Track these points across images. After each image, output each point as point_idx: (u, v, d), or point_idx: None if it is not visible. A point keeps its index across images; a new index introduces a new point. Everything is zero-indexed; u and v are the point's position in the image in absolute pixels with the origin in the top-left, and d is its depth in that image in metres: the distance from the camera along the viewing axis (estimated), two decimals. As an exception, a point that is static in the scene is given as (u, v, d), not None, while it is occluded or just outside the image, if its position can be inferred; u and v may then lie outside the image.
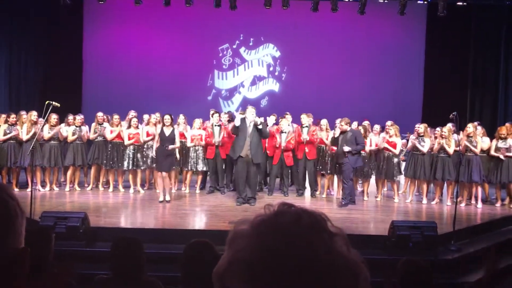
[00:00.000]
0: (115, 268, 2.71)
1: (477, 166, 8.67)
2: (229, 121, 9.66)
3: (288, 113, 9.92)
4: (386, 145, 9.06)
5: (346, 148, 8.24)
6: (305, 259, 0.70)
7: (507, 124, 9.15)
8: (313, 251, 0.72)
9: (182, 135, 9.32)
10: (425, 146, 8.99)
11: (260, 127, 8.21)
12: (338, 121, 8.70)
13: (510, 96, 13.01)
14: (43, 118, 7.94)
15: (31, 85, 13.71)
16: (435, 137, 9.08)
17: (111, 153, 9.30)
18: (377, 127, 9.74)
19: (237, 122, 8.21)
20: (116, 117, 9.44)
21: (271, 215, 0.76)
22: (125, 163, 9.28)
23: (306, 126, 9.42)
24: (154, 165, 9.10)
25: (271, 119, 10.35)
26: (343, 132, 8.42)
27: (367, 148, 9.15)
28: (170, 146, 8.43)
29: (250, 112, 8.27)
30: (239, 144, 8.24)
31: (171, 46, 14.70)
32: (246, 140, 8.21)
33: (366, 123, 9.71)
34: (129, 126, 9.36)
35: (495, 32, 13.12)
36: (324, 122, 9.62)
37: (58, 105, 7.22)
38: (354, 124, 9.38)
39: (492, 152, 8.90)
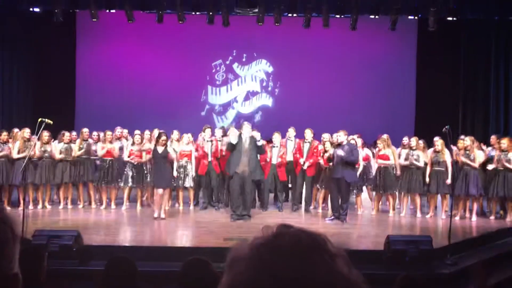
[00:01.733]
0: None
1: (474, 179, 8.68)
2: (222, 136, 9.62)
3: (292, 127, 9.83)
4: (380, 161, 9.07)
5: (341, 152, 8.18)
6: (306, 281, 0.69)
7: (509, 138, 9.13)
8: (314, 273, 0.70)
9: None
10: (420, 161, 9.02)
11: (259, 143, 8.21)
12: (335, 135, 8.69)
13: (502, 109, 13.13)
14: (36, 135, 7.89)
15: (24, 103, 13.66)
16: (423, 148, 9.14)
17: (101, 170, 9.21)
18: (358, 141, 9.68)
19: (233, 140, 8.19)
20: (108, 133, 9.39)
21: (270, 237, 0.75)
22: (124, 180, 9.19)
23: (308, 142, 9.39)
24: (148, 181, 9.06)
25: (276, 137, 10.06)
26: (338, 145, 8.40)
27: (360, 163, 9.15)
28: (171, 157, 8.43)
29: (247, 129, 8.28)
30: (234, 160, 8.22)
31: (164, 62, 14.75)
32: (242, 157, 8.19)
33: (355, 136, 9.67)
34: (133, 143, 9.31)
35: (485, 46, 13.28)
36: (326, 136, 9.58)
37: (51, 122, 7.18)
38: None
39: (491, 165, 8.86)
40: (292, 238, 0.74)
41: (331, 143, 8.83)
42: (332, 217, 8.50)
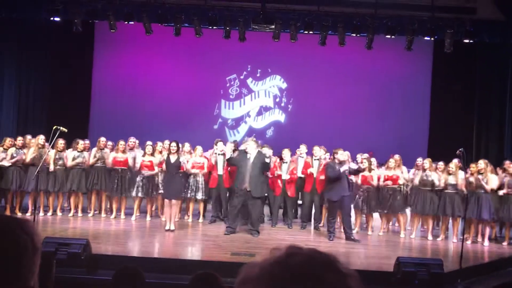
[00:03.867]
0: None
1: (487, 203, 8.55)
2: (233, 151, 9.63)
3: (304, 144, 9.86)
4: (388, 182, 9.00)
5: (353, 165, 8.25)
6: None
7: None
8: None
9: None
10: (435, 180, 8.92)
11: (267, 160, 8.21)
12: (358, 155, 8.79)
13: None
14: (50, 143, 7.94)
15: (40, 110, 13.85)
16: (436, 169, 9.04)
17: (114, 180, 9.24)
18: (373, 160, 9.63)
19: (228, 154, 8.23)
20: (121, 143, 9.44)
21: (282, 256, 0.75)
22: (134, 191, 9.23)
23: (317, 159, 9.37)
24: (160, 192, 9.08)
25: (286, 153, 10.00)
26: (341, 163, 8.36)
27: (374, 181, 9.10)
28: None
29: (252, 146, 8.28)
30: (241, 176, 8.24)
31: (179, 75, 14.88)
32: (246, 174, 8.19)
33: (364, 155, 9.60)
34: (144, 154, 9.35)
35: (501, 69, 13.20)
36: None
37: (66, 130, 7.25)
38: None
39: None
40: (304, 258, 0.74)
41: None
42: (332, 238, 8.44)
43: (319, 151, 9.43)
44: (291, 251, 0.76)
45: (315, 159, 9.36)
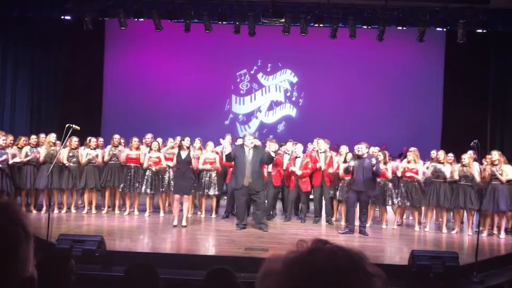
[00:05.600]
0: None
1: (503, 194, 8.44)
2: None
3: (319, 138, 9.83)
4: (410, 173, 8.89)
5: (374, 160, 8.09)
6: None
7: None
8: None
9: (198, 159, 9.33)
10: (446, 173, 8.83)
11: (273, 155, 8.19)
12: (356, 146, 8.60)
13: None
14: (63, 141, 7.98)
15: (52, 108, 13.97)
16: (449, 163, 8.92)
17: (126, 176, 9.30)
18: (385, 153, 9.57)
19: (227, 150, 8.19)
20: (135, 139, 9.48)
21: (304, 252, 0.72)
22: (143, 187, 9.28)
23: (323, 152, 9.34)
24: (171, 188, 9.11)
25: (298, 148, 9.94)
26: (359, 158, 8.30)
27: (389, 174, 9.03)
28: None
29: (249, 140, 8.25)
30: (240, 173, 8.20)
31: (190, 71, 14.89)
32: (247, 169, 8.17)
33: (376, 149, 9.52)
34: (150, 150, 9.40)
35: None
36: (344, 148, 9.52)
37: (78, 128, 7.29)
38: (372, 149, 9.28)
39: None
40: (327, 256, 0.71)
41: (353, 155, 8.75)
42: (346, 230, 8.39)
43: (323, 145, 9.40)
44: (314, 246, 0.73)
45: (321, 153, 9.32)
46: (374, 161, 8.09)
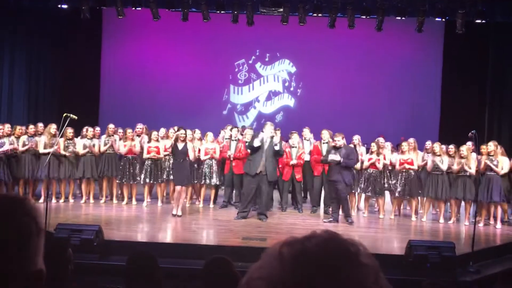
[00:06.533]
0: (130, 284, 2.67)
1: (497, 185, 8.47)
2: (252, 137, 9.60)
3: (307, 128, 9.87)
4: (406, 165, 8.90)
5: (337, 157, 8.09)
6: None
7: None
8: (341, 282, 0.67)
9: (199, 151, 9.32)
10: (444, 164, 8.85)
11: (277, 148, 8.17)
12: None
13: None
14: (60, 131, 7.95)
15: (50, 98, 13.92)
16: (449, 154, 8.93)
17: (124, 167, 9.30)
18: (387, 144, 9.58)
19: (257, 143, 8.15)
20: (129, 131, 9.46)
21: (297, 239, 0.72)
22: (142, 177, 9.28)
23: (326, 142, 9.32)
24: (171, 177, 9.12)
25: (295, 138, 9.97)
26: (336, 148, 8.30)
27: (380, 165, 9.04)
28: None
29: (269, 129, 8.26)
30: (256, 160, 8.22)
31: (187, 60, 14.84)
32: (263, 157, 8.19)
33: (380, 139, 9.54)
34: (150, 140, 9.39)
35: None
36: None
37: (76, 117, 7.26)
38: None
39: None
40: (318, 243, 0.70)
41: (329, 146, 8.73)
42: (330, 219, 8.41)
43: (327, 135, 9.38)
44: (310, 234, 0.72)
45: (323, 143, 9.31)
46: (337, 157, 8.09)
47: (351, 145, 8.99)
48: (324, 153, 9.06)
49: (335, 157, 8.11)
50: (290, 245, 0.70)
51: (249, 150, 8.44)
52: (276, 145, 8.21)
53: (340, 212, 8.43)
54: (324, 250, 0.69)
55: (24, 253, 0.82)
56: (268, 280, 0.68)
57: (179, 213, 8.39)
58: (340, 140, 8.32)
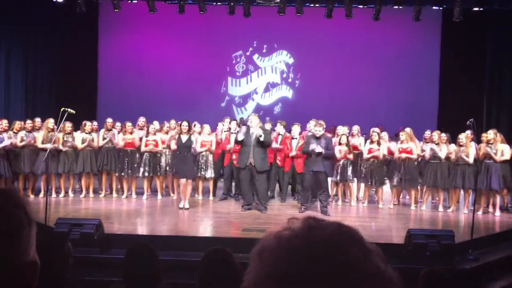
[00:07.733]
0: (129, 277, 2.68)
1: (496, 173, 8.49)
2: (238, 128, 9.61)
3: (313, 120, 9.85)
4: (404, 154, 8.89)
5: (319, 149, 8.07)
6: (338, 275, 0.66)
7: None
8: (347, 267, 0.67)
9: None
10: (442, 152, 8.85)
11: (261, 139, 8.14)
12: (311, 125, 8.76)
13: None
14: (58, 125, 7.93)
15: (47, 93, 13.86)
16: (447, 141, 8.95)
17: (123, 160, 9.29)
18: (384, 134, 9.56)
19: (240, 137, 8.17)
20: (128, 124, 9.44)
21: (303, 228, 0.72)
22: (141, 170, 9.28)
23: (295, 138, 9.37)
24: (169, 171, 9.11)
25: (295, 129, 9.94)
26: (317, 138, 8.29)
27: (380, 154, 9.04)
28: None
29: (254, 121, 8.25)
30: (245, 152, 8.25)
31: (185, 53, 14.78)
32: (250, 149, 8.19)
33: (377, 129, 9.51)
34: (147, 133, 9.37)
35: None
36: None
37: (73, 112, 7.25)
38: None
39: None
40: (328, 231, 0.71)
41: (310, 137, 8.69)
42: (303, 209, 8.41)
43: (296, 129, 9.45)
44: (311, 223, 0.73)
45: (293, 138, 9.35)
46: (319, 149, 8.08)
47: (328, 135, 9.00)
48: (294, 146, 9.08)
49: (316, 147, 8.10)
50: (299, 237, 0.70)
51: (234, 144, 8.49)
52: (260, 136, 8.15)
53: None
54: (331, 238, 0.70)
55: (16, 244, 0.82)
56: (280, 277, 0.67)
57: (187, 205, 8.42)
58: (320, 131, 8.32)
